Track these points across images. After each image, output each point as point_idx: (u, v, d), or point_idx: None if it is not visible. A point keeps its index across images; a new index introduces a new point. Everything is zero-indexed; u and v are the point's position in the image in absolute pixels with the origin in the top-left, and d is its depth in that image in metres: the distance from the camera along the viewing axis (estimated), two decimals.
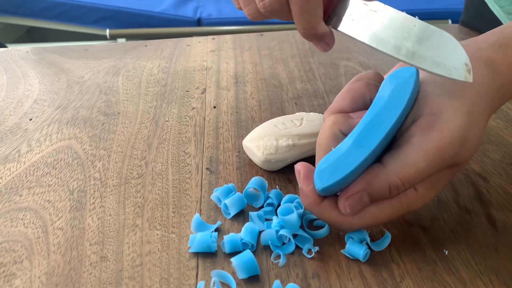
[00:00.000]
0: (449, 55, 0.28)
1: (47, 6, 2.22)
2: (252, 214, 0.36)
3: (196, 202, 0.38)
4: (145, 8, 2.22)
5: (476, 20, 0.79)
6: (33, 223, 0.36)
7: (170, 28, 2.17)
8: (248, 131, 0.48)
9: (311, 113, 0.45)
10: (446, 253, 0.33)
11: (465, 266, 0.32)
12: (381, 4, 0.32)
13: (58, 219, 0.37)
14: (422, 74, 0.32)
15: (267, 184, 0.39)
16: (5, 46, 1.54)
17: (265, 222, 0.35)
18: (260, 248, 0.34)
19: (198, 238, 0.33)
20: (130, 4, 2.23)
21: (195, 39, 0.80)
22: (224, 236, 0.33)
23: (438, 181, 0.31)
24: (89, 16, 2.22)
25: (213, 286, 0.30)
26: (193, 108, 0.55)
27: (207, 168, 0.43)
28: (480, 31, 0.76)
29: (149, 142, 0.47)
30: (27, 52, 0.76)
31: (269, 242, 0.33)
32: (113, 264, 0.32)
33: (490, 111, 0.33)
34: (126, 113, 0.54)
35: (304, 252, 0.33)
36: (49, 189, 0.40)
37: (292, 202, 0.36)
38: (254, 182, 0.38)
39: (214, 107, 0.55)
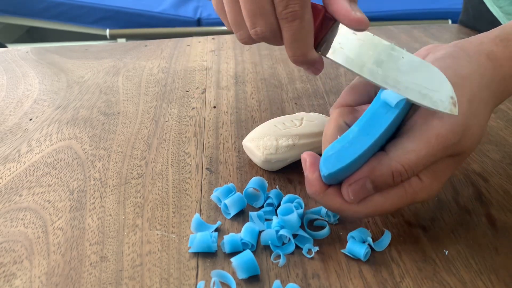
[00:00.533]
0: (436, 87, 0.29)
1: (47, 6, 2.22)
2: (252, 214, 0.36)
3: (196, 202, 0.38)
4: (145, 8, 2.22)
5: (475, 20, 0.79)
6: (33, 223, 0.36)
7: (170, 28, 2.17)
8: (248, 131, 0.48)
9: (311, 113, 0.45)
10: (446, 253, 0.33)
11: (465, 266, 0.32)
12: (370, 34, 0.33)
13: (58, 219, 0.37)
14: None
15: (267, 184, 0.39)
16: (5, 46, 1.54)
17: (265, 222, 0.35)
18: (260, 248, 0.34)
19: (198, 238, 0.33)
20: (130, 4, 2.23)
21: (195, 39, 0.80)
22: (224, 236, 0.33)
23: (442, 171, 0.31)
24: (89, 16, 2.22)
25: (213, 286, 0.30)
26: (193, 108, 0.55)
27: (207, 168, 0.43)
28: (479, 31, 0.76)
29: (149, 142, 0.47)
30: (27, 52, 0.76)
31: (269, 242, 0.33)
32: (113, 264, 0.32)
33: (492, 102, 0.33)
34: (126, 113, 0.54)
35: (304, 252, 0.33)
36: (49, 189, 0.40)
37: (292, 202, 0.36)
38: (254, 182, 0.38)
39: (214, 107, 0.55)
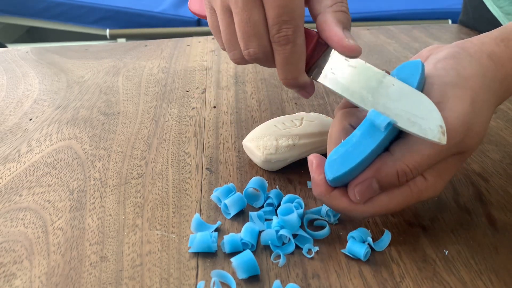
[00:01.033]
0: (425, 116, 0.29)
1: (47, 6, 2.22)
2: (252, 214, 0.36)
3: (196, 202, 0.38)
4: (145, 8, 2.22)
5: (475, 21, 0.79)
6: (33, 223, 0.36)
7: (170, 28, 2.17)
8: (248, 131, 0.48)
9: (311, 113, 0.45)
10: (446, 253, 0.33)
11: (465, 266, 0.32)
12: (362, 62, 0.33)
13: (58, 219, 0.37)
14: (426, 69, 0.33)
15: (267, 184, 0.39)
16: (5, 46, 1.54)
17: (265, 222, 0.35)
18: (260, 248, 0.34)
19: (198, 238, 0.33)
20: (130, 4, 2.23)
21: (195, 39, 0.80)
22: (224, 236, 0.33)
23: (446, 170, 0.32)
24: (89, 16, 2.22)
25: (213, 286, 0.30)
26: (193, 108, 0.55)
27: (207, 168, 0.43)
28: (479, 31, 0.76)
29: (149, 142, 0.47)
30: (27, 52, 0.76)
31: (269, 242, 0.33)
32: (113, 264, 0.32)
33: (495, 102, 0.33)
34: (126, 113, 0.54)
35: (304, 252, 0.33)
36: (49, 189, 0.40)
37: (292, 202, 0.36)
38: (254, 182, 0.38)
39: (214, 107, 0.55)
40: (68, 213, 0.37)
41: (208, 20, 0.37)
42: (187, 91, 0.60)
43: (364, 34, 0.83)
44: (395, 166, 0.30)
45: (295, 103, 0.56)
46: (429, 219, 0.36)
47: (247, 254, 0.31)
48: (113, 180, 0.41)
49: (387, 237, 0.33)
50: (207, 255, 0.33)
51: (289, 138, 0.41)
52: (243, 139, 0.44)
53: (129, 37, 2.20)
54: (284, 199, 0.37)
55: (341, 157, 0.31)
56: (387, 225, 0.35)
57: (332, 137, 0.34)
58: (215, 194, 0.38)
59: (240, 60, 0.36)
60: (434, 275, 0.31)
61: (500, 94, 0.34)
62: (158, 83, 0.62)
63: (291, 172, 0.42)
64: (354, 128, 0.32)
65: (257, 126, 0.44)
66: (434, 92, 0.31)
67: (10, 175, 0.43)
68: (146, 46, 0.78)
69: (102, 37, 2.22)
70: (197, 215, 0.35)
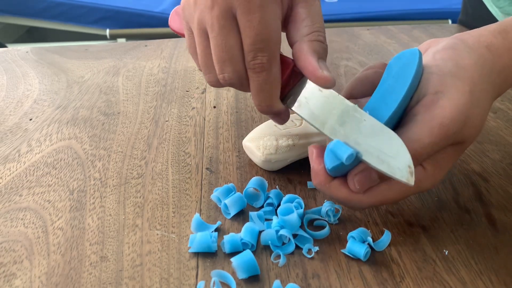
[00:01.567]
0: (394, 155, 0.29)
1: (47, 6, 2.22)
2: (252, 214, 0.36)
3: (196, 202, 0.38)
4: (145, 8, 2.22)
5: (475, 21, 0.79)
6: (33, 223, 0.36)
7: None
8: (248, 131, 0.48)
9: None
10: (446, 253, 0.33)
11: (465, 266, 0.32)
12: (335, 93, 0.33)
13: (58, 219, 0.37)
14: (425, 60, 0.33)
15: (267, 184, 0.39)
16: (5, 46, 1.54)
17: (265, 222, 0.35)
18: (260, 248, 0.34)
19: (198, 238, 0.33)
20: (130, 4, 2.23)
21: None
22: (224, 236, 0.33)
23: (445, 160, 0.32)
24: (89, 16, 2.22)
25: (213, 286, 0.30)
26: (193, 108, 0.55)
27: (207, 168, 0.43)
28: None
29: (149, 142, 0.47)
30: (27, 52, 0.76)
31: (269, 242, 0.33)
32: (113, 264, 0.32)
33: (493, 93, 0.33)
34: (126, 113, 0.54)
35: (304, 252, 0.33)
36: (49, 189, 0.40)
37: (292, 202, 0.36)
38: (254, 182, 0.38)
39: (214, 107, 0.55)
40: (68, 213, 0.37)
41: (186, 41, 0.37)
42: (187, 91, 0.60)
43: (364, 34, 0.83)
44: None
45: None
46: (429, 219, 0.36)
47: (247, 254, 0.31)
48: (113, 180, 0.41)
49: (387, 237, 0.33)
50: (207, 255, 0.33)
51: (289, 138, 0.41)
52: (243, 139, 0.44)
53: (129, 37, 2.20)
54: (284, 199, 0.37)
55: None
56: (387, 225, 0.35)
57: None
58: (215, 194, 0.38)
59: (216, 83, 0.36)
60: (434, 275, 0.31)
61: (498, 85, 0.34)
62: (158, 83, 0.62)
63: (291, 172, 0.42)
64: None
65: (257, 126, 0.44)
66: (433, 81, 0.31)
67: (10, 175, 0.43)
68: (146, 46, 0.78)
69: (102, 37, 2.22)
70: (197, 215, 0.35)
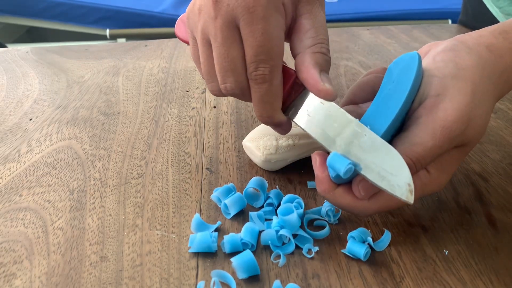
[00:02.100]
0: (394, 171, 0.29)
1: (47, 6, 2.22)
2: (252, 214, 0.36)
3: (196, 202, 0.38)
4: (145, 8, 2.22)
5: (475, 21, 0.79)
6: (33, 223, 0.36)
7: (170, 28, 2.17)
8: (248, 131, 0.48)
9: None
10: (446, 253, 0.33)
11: (465, 266, 0.32)
12: (336, 107, 0.33)
13: (58, 219, 0.37)
14: (425, 62, 0.33)
15: (267, 184, 0.39)
16: (5, 46, 1.54)
17: (265, 222, 0.35)
18: (260, 248, 0.34)
19: (198, 238, 0.33)
20: (130, 4, 2.23)
21: None
22: (224, 236, 0.33)
23: (449, 163, 0.32)
24: (89, 16, 2.22)
25: (213, 286, 0.30)
26: (193, 108, 0.55)
27: (207, 168, 0.43)
28: None
29: (149, 142, 0.47)
30: (27, 52, 0.76)
31: (269, 242, 0.33)
32: (113, 264, 0.32)
33: (495, 93, 0.33)
34: (126, 113, 0.54)
35: (304, 252, 0.33)
36: (49, 189, 0.40)
37: (292, 202, 0.36)
38: (254, 182, 0.38)
39: (214, 107, 0.55)
40: (68, 213, 0.37)
41: (190, 49, 0.37)
42: (187, 91, 0.60)
43: (364, 34, 0.83)
44: None
45: None
46: (429, 219, 0.36)
47: (247, 254, 0.31)
48: (113, 180, 0.41)
49: (387, 237, 0.33)
50: (207, 255, 0.33)
51: (289, 138, 0.41)
52: (243, 139, 0.44)
53: (129, 37, 2.20)
54: (284, 199, 0.37)
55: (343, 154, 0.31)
56: (387, 225, 0.35)
57: None
58: (215, 194, 0.38)
59: (218, 93, 0.36)
60: (434, 275, 0.31)
61: (500, 85, 0.34)
62: (158, 83, 0.62)
63: (291, 172, 0.42)
64: None
65: (257, 126, 0.44)
66: (434, 84, 0.31)
67: (10, 175, 0.43)
68: (146, 46, 0.78)
69: (102, 37, 2.22)
70: (197, 215, 0.35)
